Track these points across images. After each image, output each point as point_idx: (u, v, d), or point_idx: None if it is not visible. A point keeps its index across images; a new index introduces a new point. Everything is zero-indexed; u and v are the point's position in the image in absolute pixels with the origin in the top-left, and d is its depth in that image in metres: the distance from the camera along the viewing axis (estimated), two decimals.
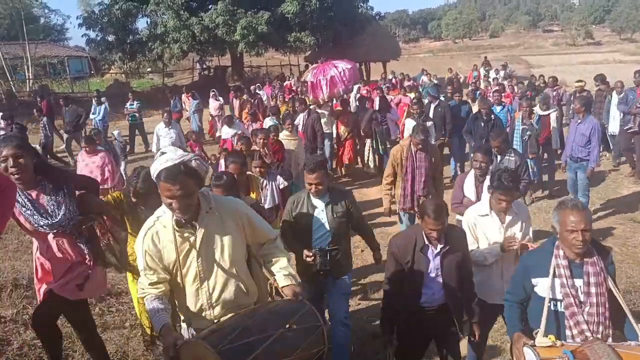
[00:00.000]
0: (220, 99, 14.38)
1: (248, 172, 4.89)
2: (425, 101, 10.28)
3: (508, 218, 3.51)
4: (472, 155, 6.07)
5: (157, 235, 2.42)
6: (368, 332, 4.48)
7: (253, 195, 4.63)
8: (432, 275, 3.25)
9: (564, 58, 40.78)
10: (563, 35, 68.24)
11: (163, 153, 2.33)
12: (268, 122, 9.06)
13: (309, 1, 21.41)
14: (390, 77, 21.42)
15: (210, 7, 22.60)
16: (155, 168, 2.29)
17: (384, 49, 25.95)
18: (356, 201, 3.89)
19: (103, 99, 14.05)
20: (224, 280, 2.50)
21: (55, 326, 3.58)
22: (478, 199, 4.38)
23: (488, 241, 3.53)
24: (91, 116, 13.49)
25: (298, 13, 21.52)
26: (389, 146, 8.92)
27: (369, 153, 9.49)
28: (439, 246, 3.18)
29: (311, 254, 3.54)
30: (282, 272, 2.62)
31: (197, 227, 2.40)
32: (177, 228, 2.39)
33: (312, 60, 23.76)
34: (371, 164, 9.53)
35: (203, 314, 2.53)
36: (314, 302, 3.65)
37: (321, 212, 3.68)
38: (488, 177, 4.42)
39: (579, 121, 6.66)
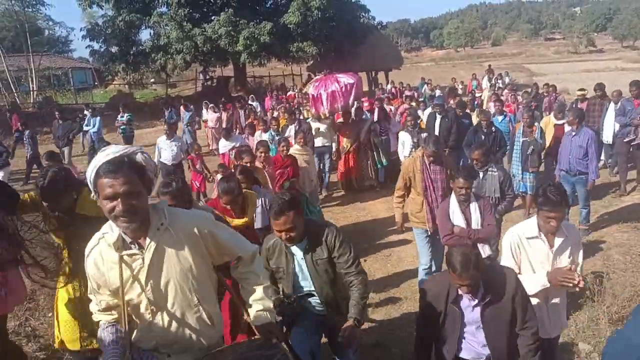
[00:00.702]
0: (217, 111, 14.42)
1: (245, 190, 4.54)
2: (428, 111, 10.26)
3: (557, 241, 3.00)
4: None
5: (101, 256, 2.01)
6: (368, 342, 4.42)
7: (247, 218, 4.26)
8: (472, 328, 2.78)
9: (566, 66, 40.82)
10: (565, 43, 68.53)
11: (104, 150, 1.97)
12: (258, 137, 8.94)
13: (311, 11, 21.53)
14: (389, 87, 21.43)
15: (212, 18, 22.78)
16: (94, 165, 1.90)
17: (386, 58, 26.08)
18: (342, 237, 2.95)
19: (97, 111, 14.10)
20: (182, 311, 2.09)
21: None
22: (469, 224, 4.21)
23: (532, 267, 3.06)
24: (85, 128, 13.51)
25: (300, 23, 21.63)
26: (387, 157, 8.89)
27: (368, 165, 9.41)
28: (477, 297, 2.72)
29: None
30: (256, 305, 2.24)
31: (145, 248, 1.98)
32: (118, 250, 1.97)
33: (314, 70, 23.88)
34: (372, 175, 9.46)
35: (160, 351, 2.16)
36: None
37: (301, 260, 2.97)
38: (474, 202, 4.28)
39: (574, 133, 6.48)
